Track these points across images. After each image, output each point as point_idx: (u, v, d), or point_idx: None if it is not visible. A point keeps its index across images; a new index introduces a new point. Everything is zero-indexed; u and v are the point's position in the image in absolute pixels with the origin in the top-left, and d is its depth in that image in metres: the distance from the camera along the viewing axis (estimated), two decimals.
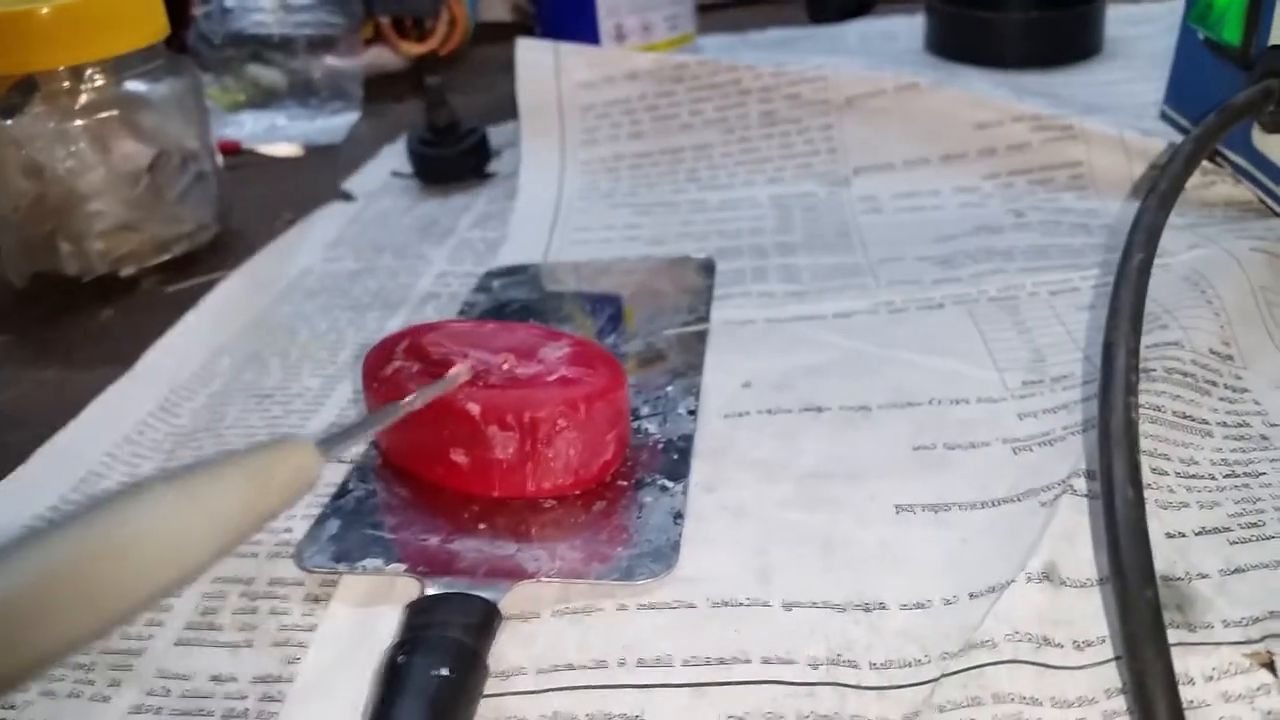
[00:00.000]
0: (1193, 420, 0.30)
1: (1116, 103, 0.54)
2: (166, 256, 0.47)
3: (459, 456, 0.29)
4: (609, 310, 0.40)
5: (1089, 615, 0.24)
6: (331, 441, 0.24)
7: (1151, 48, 0.63)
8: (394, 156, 0.58)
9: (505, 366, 0.29)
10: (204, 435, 0.35)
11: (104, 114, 0.44)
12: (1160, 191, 0.32)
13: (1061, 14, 0.62)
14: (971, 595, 0.25)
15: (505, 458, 0.28)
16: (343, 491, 0.30)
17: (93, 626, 0.16)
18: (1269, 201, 0.40)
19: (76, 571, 0.16)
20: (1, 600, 0.15)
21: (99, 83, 0.44)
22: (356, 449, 0.33)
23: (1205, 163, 0.43)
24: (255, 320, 0.42)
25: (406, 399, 0.27)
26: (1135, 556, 0.22)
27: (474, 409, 0.28)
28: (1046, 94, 0.55)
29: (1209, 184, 0.43)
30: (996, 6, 0.64)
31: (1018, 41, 0.62)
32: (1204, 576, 0.25)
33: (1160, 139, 0.45)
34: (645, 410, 0.33)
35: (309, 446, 0.22)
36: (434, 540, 0.28)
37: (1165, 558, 0.25)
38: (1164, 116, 0.49)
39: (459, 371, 0.28)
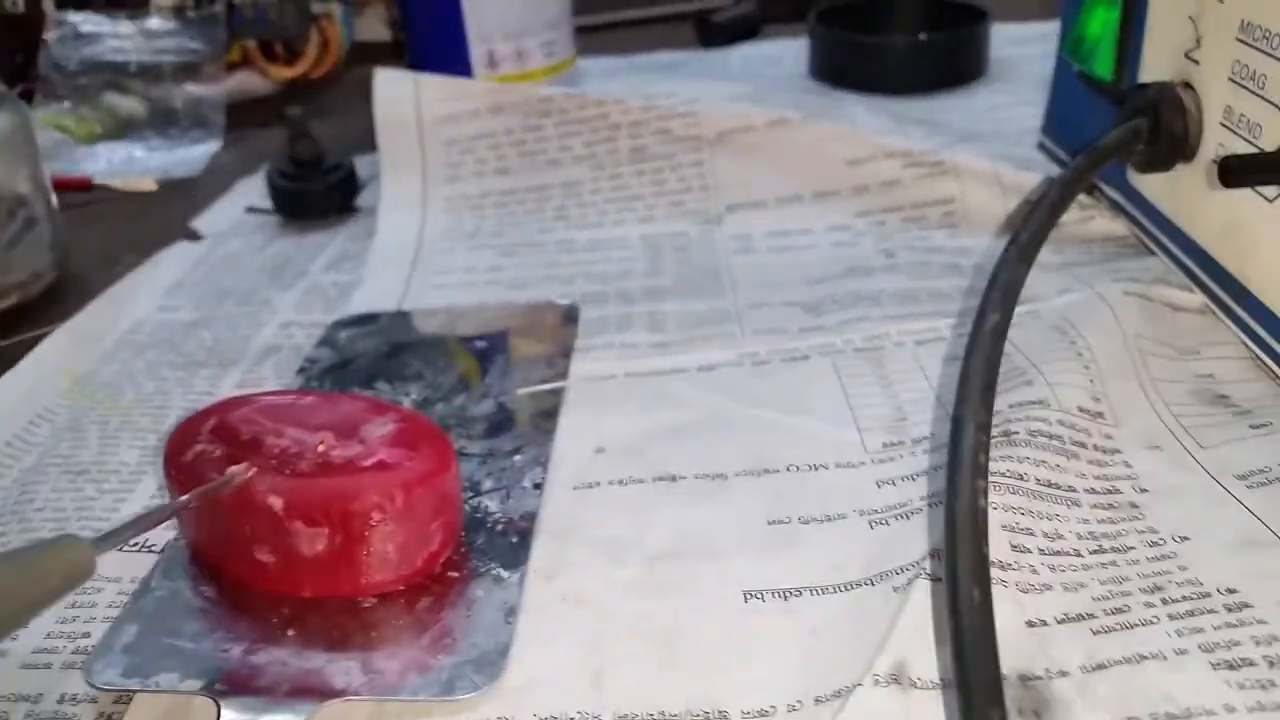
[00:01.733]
0: (1058, 488, 0.28)
1: (997, 129, 0.53)
2: None
3: (264, 555, 0.26)
4: (459, 366, 0.37)
5: None
6: (105, 541, 0.23)
7: (1035, 69, 0.62)
8: (251, 190, 0.55)
9: (320, 448, 0.27)
10: (9, 519, 0.32)
11: None
12: (1021, 243, 0.30)
13: (945, 37, 0.61)
14: (817, 700, 0.23)
15: (314, 555, 0.26)
16: (145, 589, 0.27)
17: None
18: (1143, 238, 0.39)
19: None
20: None
21: None
22: (166, 536, 0.30)
23: (1083, 196, 0.42)
24: (79, 381, 0.39)
25: (183, 497, 0.24)
26: (981, 671, 0.20)
27: (276, 503, 0.25)
28: (927, 121, 0.54)
29: (1087, 218, 0.42)
30: (879, 31, 0.64)
31: (902, 67, 0.61)
32: (1065, 674, 0.23)
33: (1035, 173, 0.44)
34: (488, 484, 0.31)
35: (84, 544, 0.22)
36: (236, 651, 0.25)
37: (1025, 652, 0.23)
38: (1041, 147, 0.48)
39: (235, 472, 0.26)
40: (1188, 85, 0.35)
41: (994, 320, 0.27)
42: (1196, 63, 0.35)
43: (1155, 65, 0.37)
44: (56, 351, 0.40)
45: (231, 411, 0.29)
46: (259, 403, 0.29)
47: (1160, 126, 0.35)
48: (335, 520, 0.25)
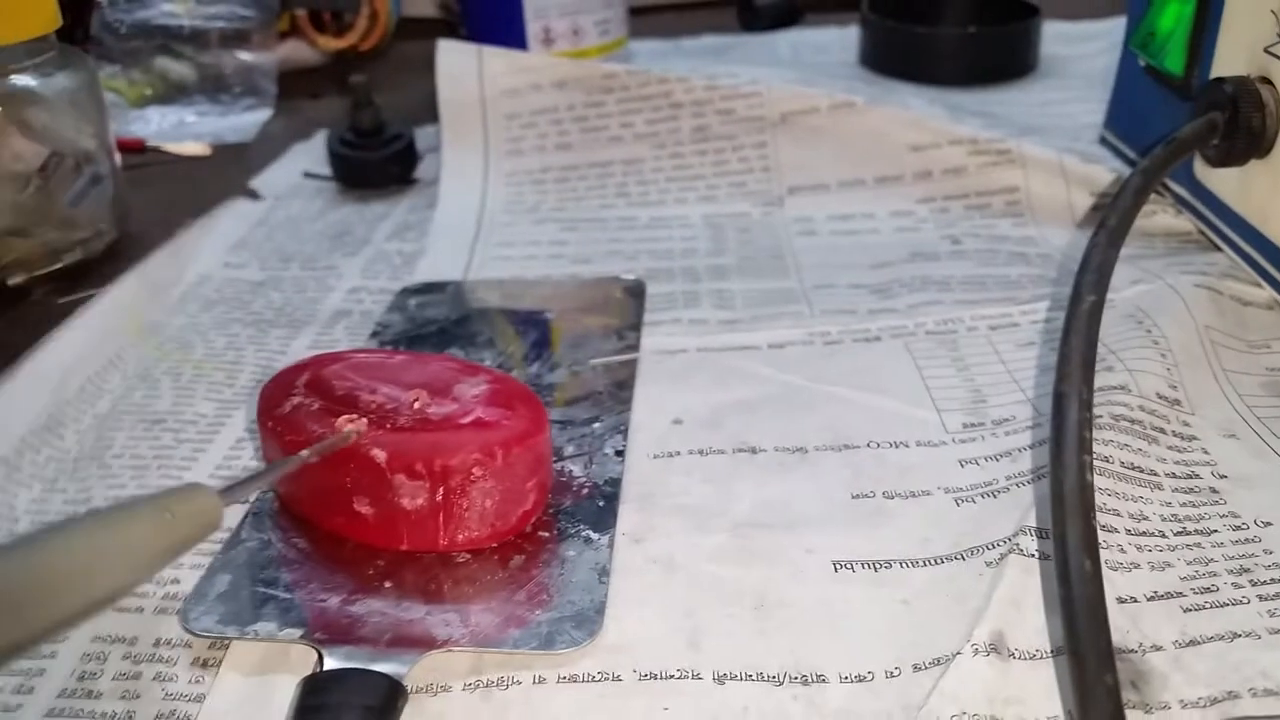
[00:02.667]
0: (1141, 471, 0.28)
1: (1053, 124, 0.54)
2: (59, 265, 0.43)
3: (363, 507, 0.26)
4: (534, 335, 0.37)
5: (1039, 692, 0.23)
6: (231, 491, 0.23)
7: (1087, 67, 0.62)
8: (306, 156, 0.55)
9: (416, 405, 0.27)
10: (89, 464, 0.32)
11: None
12: (1110, 228, 0.30)
13: (998, 30, 0.61)
14: (915, 667, 0.23)
15: (414, 509, 0.26)
16: (235, 540, 0.28)
17: (10, 646, 0.17)
18: (1209, 234, 0.40)
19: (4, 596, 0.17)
20: None
21: None
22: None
23: None
24: (147, 331, 0.39)
25: (303, 452, 0.25)
26: (1093, 638, 0.20)
27: (379, 455, 0.26)
28: (982, 113, 0.54)
29: (1149, 214, 0.42)
30: (932, 21, 0.64)
31: (953, 58, 0.61)
32: (1159, 649, 0.23)
33: (1101, 166, 0.44)
34: (570, 450, 0.31)
35: (212, 494, 0.22)
36: (334, 601, 0.25)
37: (1118, 627, 0.24)
38: (1103, 141, 0.48)
39: (355, 429, 0.26)
40: (1266, 80, 0.35)
41: (1090, 301, 0.27)
42: (1278, 57, 0.35)
43: (1230, 60, 0.37)
44: (125, 298, 0.40)
45: (324, 367, 0.29)
46: (351, 359, 0.29)
47: (1238, 121, 0.35)
48: (437, 474, 0.25)
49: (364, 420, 0.26)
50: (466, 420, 0.27)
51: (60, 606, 0.18)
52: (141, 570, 0.20)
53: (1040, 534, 0.26)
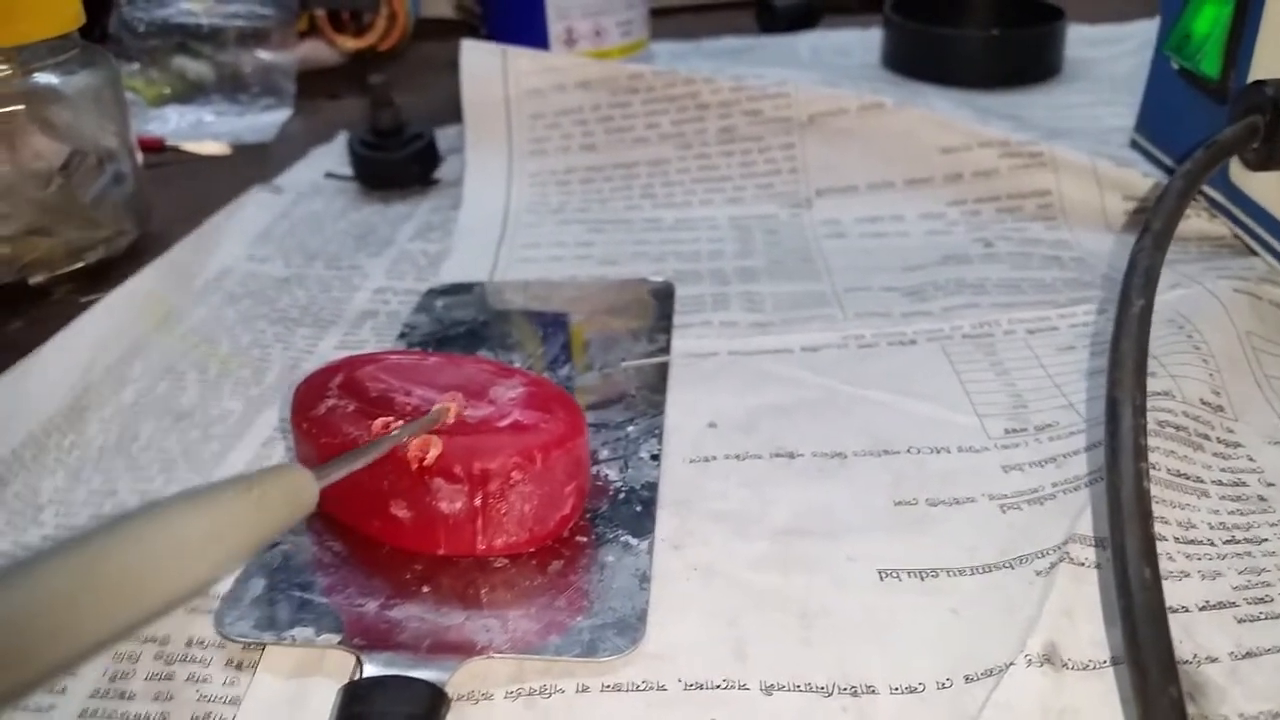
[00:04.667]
0: (1188, 479, 0.28)
1: (1079, 127, 0.53)
2: (80, 264, 0.43)
3: (400, 510, 0.26)
4: (562, 337, 0.37)
5: (1094, 703, 0.22)
6: (324, 471, 0.22)
7: (1112, 70, 0.62)
8: (327, 157, 0.55)
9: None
10: (114, 456, 0.32)
11: (10, 108, 0.40)
12: (1155, 231, 0.30)
13: (1023, 33, 0.61)
14: (967, 678, 0.23)
15: (452, 513, 0.25)
16: (270, 543, 0.27)
17: (108, 636, 0.16)
18: (1245, 238, 0.39)
19: (98, 583, 0.16)
20: (25, 612, 0.15)
21: (4, 73, 0.40)
22: None
23: None
24: (170, 321, 0.39)
25: (395, 432, 0.24)
26: (1156, 648, 0.20)
27: (418, 458, 0.25)
28: (1009, 115, 0.54)
29: (1184, 218, 0.41)
30: (957, 23, 0.63)
31: (978, 60, 0.60)
32: (1214, 660, 0.23)
33: (1134, 170, 0.43)
34: (605, 454, 0.30)
35: (307, 475, 0.21)
36: (371, 606, 0.25)
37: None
38: (1134, 145, 0.48)
39: (445, 408, 0.25)
40: None
41: (1140, 305, 0.26)
42: None
43: (1270, 62, 0.37)
44: (150, 283, 0.40)
45: (357, 368, 0.28)
46: (384, 361, 0.29)
47: (1279, 123, 0.35)
48: (475, 478, 0.25)
49: (457, 402, 0.26)
50: (504, 423, 0.26)
51: (154, 593, 0.17)
52: (234, 554, 0.19)
53: (1092, 542, 0.25)
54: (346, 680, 0.23)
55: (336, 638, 0.24)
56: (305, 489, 0.21)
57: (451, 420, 0.26)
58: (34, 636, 0.15)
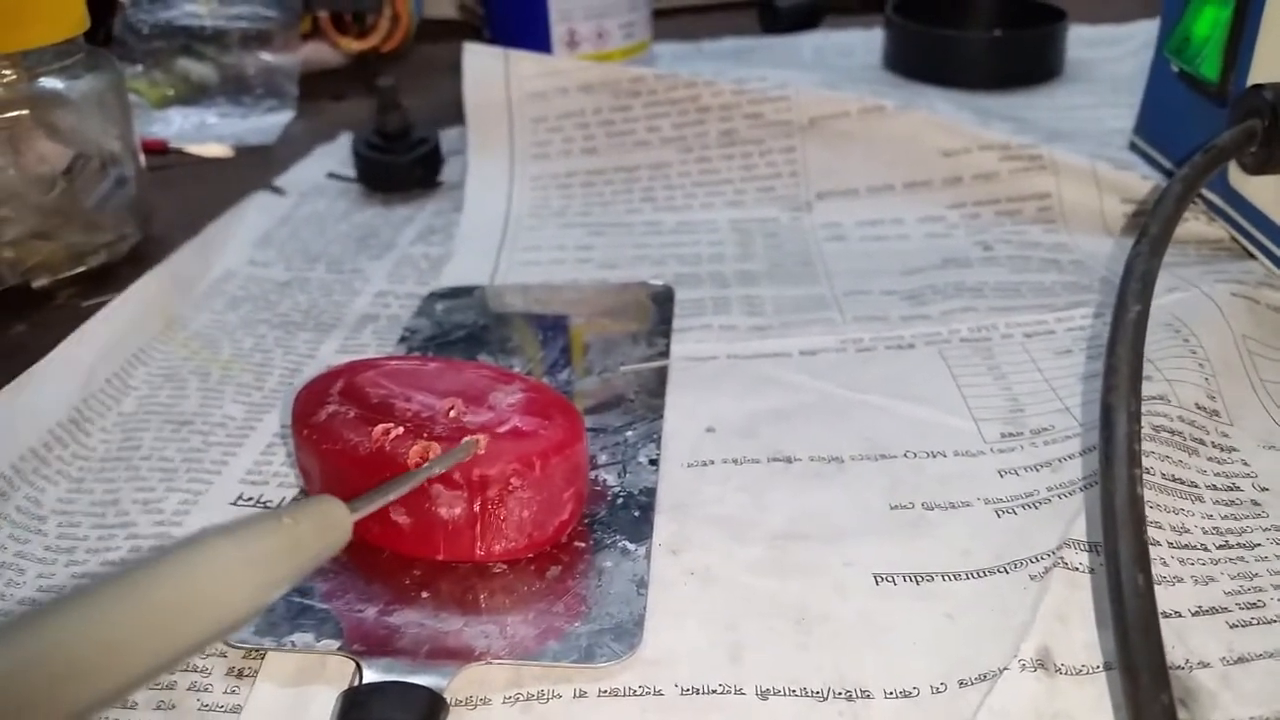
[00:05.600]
0: (1182, 483, 0.28)
1: (1080, 129, 0.53)
2: (83, 268, 0.43)
3: (399, 516, 0.26)
4: (561, 341, 0.37)
5: (1087, 708, 0.22)
6: (359, 504, 0.22)
7: (1113, 71, 0.62)
8: (329, 157, 0.55)
9: (452, 414, 0.27)
10: (116, 465, 0.32)
11: (14, 113, 0.40)
12: (1152, 236, 0.30)
13: (1025, 34, 0.61)
14: (961, 683, 0.23)
15: (451, 519, 0.26)
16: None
17: (151, 669, 0.16)
18: (1243, 242, 0.39)
19: (141, 616, 0.16)
20: (72, 647, 0.15)
21: (9, 78, 0.40)
22: (285, 494, 0.30)
23: None
24: (172, 327, 0.39)
25: (428, 464, 0.25)
26: (1148, 655, 0.20)
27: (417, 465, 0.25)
28: (1010, 117, 0.54)
29: (1182, 221, 0.41)
30: (958, 25, 0.63)
31: (979, 62, 0.60)
32: (1205, 665, 0.23)
33: (1133, 173, 0.44)
34: (603, 459, 0.31)
35: (342, 507, 0.21)
36: (371, 612, 0.25)
37: (1164, 643, 0.23)
38: (1133, 147, 0.48)
39: (474, 441, 0.25)
40: None
41: (1136, 311, 0.27)
42: None
43: (1269, 66, 0.37)
44: (152, 290, 0.40)
45: (357, 374, 0.29)
46: (384, 366, 0.29)
47: (1277, 128, 0.35)
48: (474, 484, 0.25)
49: (485, 438, 0.26)
50: (503, 429, 0.26)
51: (195, 627, 0.17)
52: (271, 587, 0.19)
53: (1086, 547, 0.26)
54: (346, 686, 0.23)
55: (336, 643, 0.24)
56: (340, 522, 0.21)
57: (481, 450, 0.26)
58: (81, 672, 0.15)
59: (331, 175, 0.52)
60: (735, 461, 0.31)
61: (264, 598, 0.18)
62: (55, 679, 0.15)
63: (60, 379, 0.35)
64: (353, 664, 0.24)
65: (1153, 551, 0.26)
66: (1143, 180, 0.43)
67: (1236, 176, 0.38)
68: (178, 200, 0.51)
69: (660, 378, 0.35)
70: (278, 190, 0.50)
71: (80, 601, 0.16)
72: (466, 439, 0.25)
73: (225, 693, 0.24)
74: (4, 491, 0.30)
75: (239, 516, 0.20)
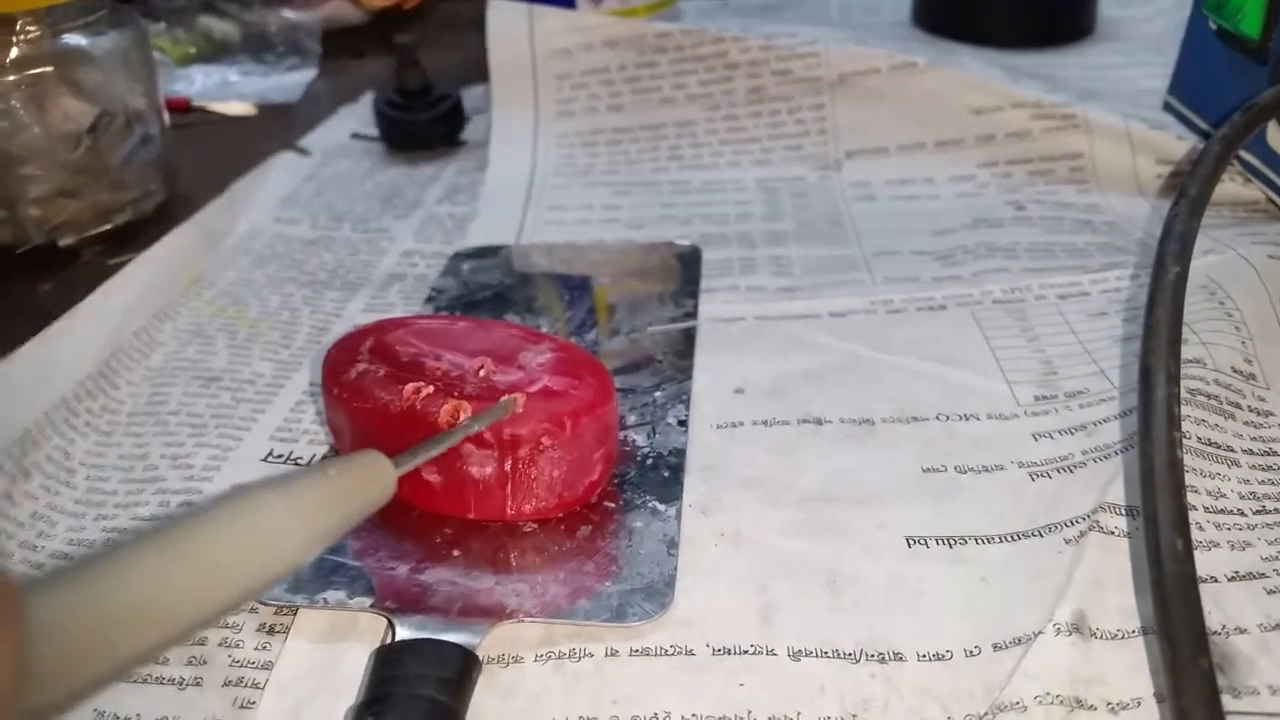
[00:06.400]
0: (1218, 447, 0.28)
1: (1113, 88, 0.52)
2: (108, 225, 0.43)
3: (431, 475, 0.26)
4: (587, 301, 0.37)
5: (1123, 672, 0.22)
6: (402, 460, 0.22)
7: (1145, 30, 0.61)
8: (353, 117, 0.55)
9: (482, 373, 0.27)
10: (144, 419, 0.32)
11: (39, 70, 0.40)
12: (1191, 196, 0.30)
13: None
14: (995, 646, 0.23)
15: (482, 478, 0.25)
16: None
17: (199, 620, 0.16)
18: None
19: (189, 567, 0.16)
20: (120, 597, 0.15)
21: (33, 35, 0.40)
22: (316, 451, 0.30)
23: None
24: (198, 284, 0.39)
25: (464, 420, 0.25)
26: (1187, 619, 0.20)
27: (449, 423, 0.25)
28: (1041, 76, 0.53)
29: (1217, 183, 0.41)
30: None
31: (1010, 19, 0.59)
32: (1242, 631, 0.23)
33: (1168, 133, 0.43)
34: (632, 419, 0.30)
35: (387, 462, 0.21)
36: (403, 570, 0.25)
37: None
38: (1167, 107, 0.47)
39: (513, 399, 0.25)
40: None
41: (1175, 272, 0.26)
42: None
43: None
44: (178, 247, 0.40)
45: (387, 333, 0.28)
46: (414, 325, 0.29)
47: None
48: (505, 443, 0.25)
49: (523, 397, 0.26)
50: (534, 389, 0.26)
51: (242, 578, 0.17)
52: (317, 539, 0.19)
53: (1123, 511, 0.25)
54: (378, 645, 0.23)
55: (368, 600, 0.24)
56: (384, 475, 0.21)
57: (519, 409, 0.25)
58: (130, 621, 0.15)
59: (355, 135, 0.52)
60: (765, 423, 0.31)
61: (313, 549, 0.19)
62: (107, 628, 0.15)
63: (88, 331, 0.35)
64: (385, 621, 0.24)
65: (1190, 516, 0.25)
66: (1178, 141, 0.43)
67: (1276, 137, 0.38)
68: (201, 158, 0.51)
69: (688, 338, 0.35)
70: (303, 151, 0.50)
71: (133, 551, 0.16)
72: (505, 398, 0.25)
73: (256, 649, 0.24)
74: (36, 440, 0.30)
75: (284, 471, 0.20)
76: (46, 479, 0.29)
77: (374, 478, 0.21)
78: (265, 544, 0.17)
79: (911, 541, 0.26)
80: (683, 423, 0.30)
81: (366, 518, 0.20)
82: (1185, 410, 0.28)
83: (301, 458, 0.30)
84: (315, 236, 0.43)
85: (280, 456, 0.30)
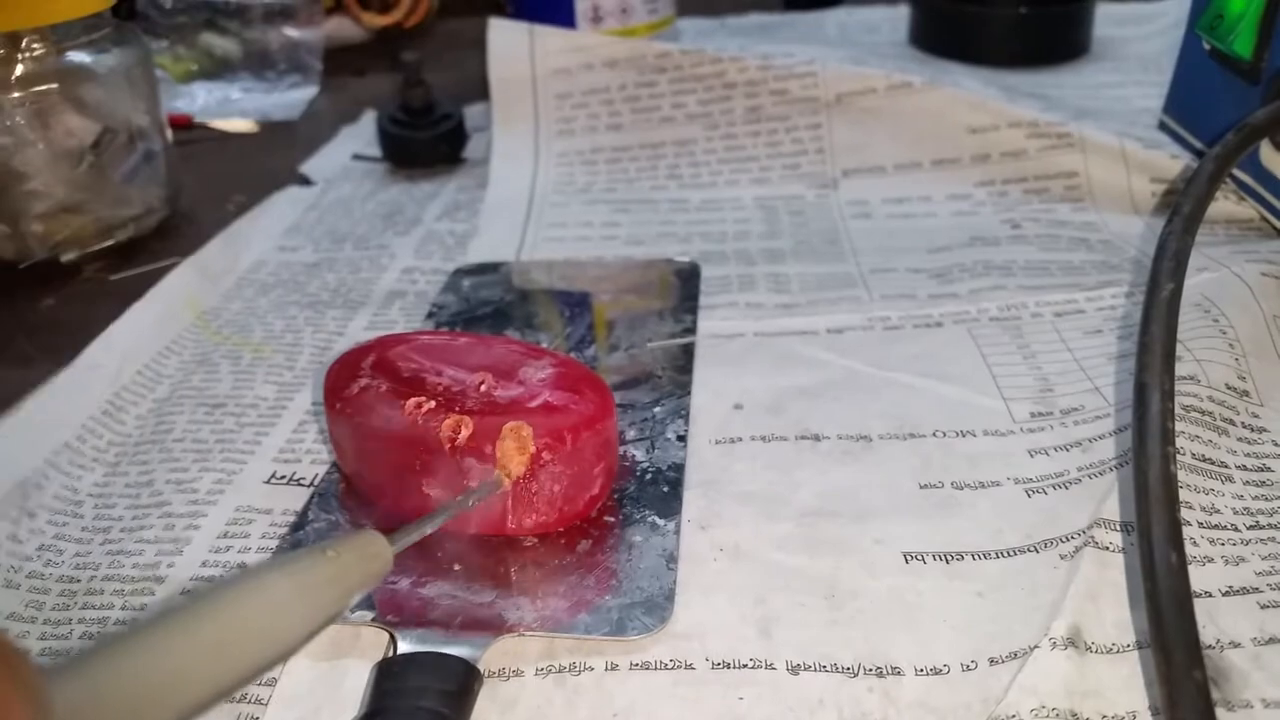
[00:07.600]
0: (1212, 464, 0.28)
1: (1107, 107, 0.53)
2: (111, 241, 0.44)
3: (432, 489, 0.26)
4: (587, 317, 0.37)
5: (1118, 686, 0.22)
6: (399, 537, 0.22)
7: (1141, 50, 0.61)
8: (354, 138, 0.55)
9: (482, 388, 0.27)
10: (150, 448, 0.32)
11: (43, 87, 0.41)
12: (1185, 214, 0.30)
13: (1052, 11, 0.60)
14: (992, 661, 0.23)
15: None
16: (302, 521, 0.28)
17: (211, 698, 0.17)
18: (1274, 221, 0.39)
19: (201, 648, 0.17)
20: (137, 678, 0.16)
21: (38, 52, 0.40)
22: (318, 470, 0.30)
23: None
24: (204, 316, 0.39)
25: (461, 498, 0.25)
26: (1181, 633, 0.20)
27: (449, 439, 0.25)
28: (1037, 95, 0.54)
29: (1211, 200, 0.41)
30: (985, 2, 0.63)
31: (1006, 38, 0.60)
32: (1236, 645, 0.23)
33: (1162, 152, 0.43)
34: (631, 434, 0.31)
35: (381, 540, 0.21)
36: (404, 584, 0.25)
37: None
38: (1162, 126, 0.48)
39: (500, 478, 0.25)
40: None
41: (1169, 290, 0.26)
42: None
43: None
44: (181, 285, 0.40)
45: (389, 349, 0.29)
46: (415, 341, 0.29)
47: None
48: None
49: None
50: (534, 404, 0.26)
51: (250, 656, 0.17)
52: (319, 616, 0.19)
53: (1118, 526, 0.26)
54: (380, 657, 0.24)
55: (370, 614, 0.24)
56: (381, 553, 0.21)
57: (510, 480, 0.26)
58: (147, 705, 0.16)
59: (357, 156, 0.52)
60: (763, 439, 0.31)
61: (314, 626, 0.19)
62: (125, 712, 0.15)
63: (89, 381, 0.35)
64: (387, 635, 0.24)
65: (1184, 532, 0.26)
66: (1172, 159, 0.43)
67: (1268, 155, 0.38)
68: (203, 175, 0.51)
69: (687, 354, 0.35)
70: (307, 181, 0.50)
71: (146, 634, 0.16)
72: (493, 476, 0.25)
73: None
74: (39, 484, 0.30)
75: (287, 554, 0.20)
76: (53, 514, 0.29)
77: (373, 555, 0.21)
78: (271, 624, 0.18)
79: (909, 557, 0.26)
80: (682, 438, 0.31)
81: (368, 591, 0.21)
82: (1179, 426, 0.28)
83: (304, 478, 0.30)
84: (317, 259, 0.43)
85: (284, 478, 0.30)
